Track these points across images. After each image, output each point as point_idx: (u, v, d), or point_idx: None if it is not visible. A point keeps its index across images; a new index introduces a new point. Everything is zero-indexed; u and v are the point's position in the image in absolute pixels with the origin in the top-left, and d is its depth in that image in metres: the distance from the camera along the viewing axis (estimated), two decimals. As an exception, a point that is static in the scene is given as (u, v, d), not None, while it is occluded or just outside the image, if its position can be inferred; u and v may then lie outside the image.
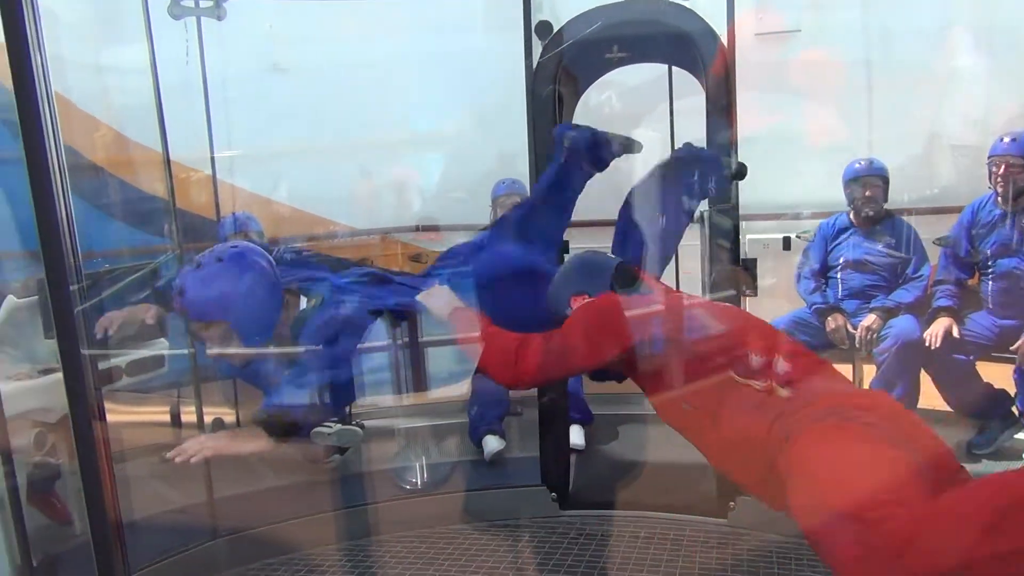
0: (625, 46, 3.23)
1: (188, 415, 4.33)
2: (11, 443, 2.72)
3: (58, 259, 1.13)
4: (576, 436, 4.08)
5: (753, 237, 5.00)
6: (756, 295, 3.42)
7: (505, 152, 4.51)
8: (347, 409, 4.29)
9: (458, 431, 4.34)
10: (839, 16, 5.12)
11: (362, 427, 4.35)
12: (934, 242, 3.98)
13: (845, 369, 4.13)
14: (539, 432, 3.60)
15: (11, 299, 2.96)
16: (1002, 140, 3.70)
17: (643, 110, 4.94)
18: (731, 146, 3.19)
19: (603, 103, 5.03)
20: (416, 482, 3.79)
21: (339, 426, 4.00)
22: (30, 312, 2.94)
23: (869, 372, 4.01)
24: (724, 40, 3.21)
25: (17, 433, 2.88)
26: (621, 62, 3.30)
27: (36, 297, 2.95)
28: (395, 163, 5.44)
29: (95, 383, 1.20)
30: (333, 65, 5.15)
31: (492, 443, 3.99)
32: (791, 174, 4.79)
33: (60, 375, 3.07)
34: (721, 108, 3.22)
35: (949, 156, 4.73)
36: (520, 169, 3.77)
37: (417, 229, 5.53)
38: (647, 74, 4.49)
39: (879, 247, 4.01)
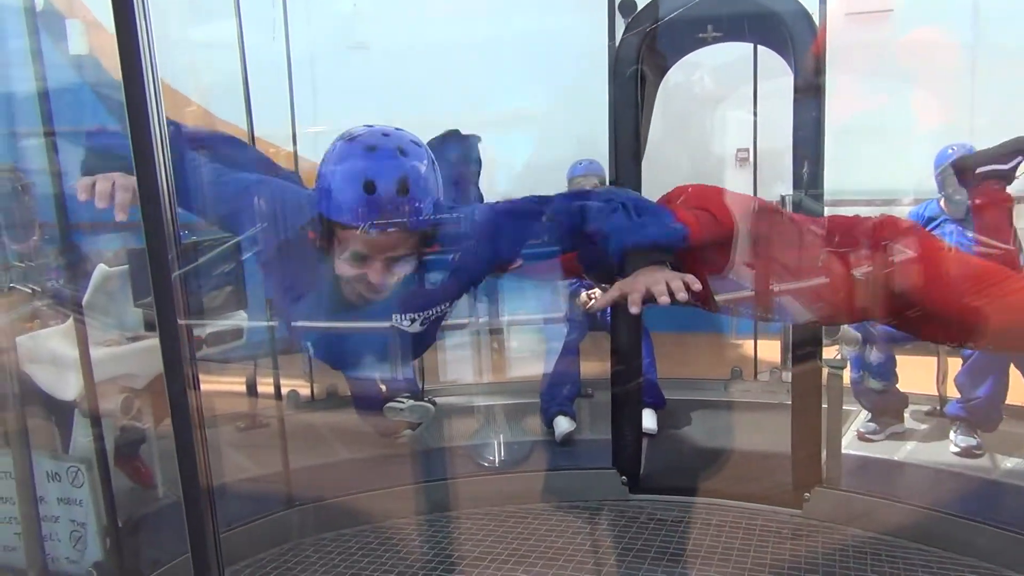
0: (713, 25, 3.16)
1: (265, 386, 4.48)
2: (100, 407, 2.84)
3: (158, 226, 1.16)
4: (648, 420, 4.06)
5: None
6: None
7: (585, 133, 4.47)
8: (420, 385, 4.36)
9: (532, 411, 4.35)
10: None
11: (434, 403, 4.42)
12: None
13: (930, 362, 4.02)
14: (611, 415, 3.58)
15: (102, 267, 3.06)
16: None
17: (726, 91, 4.86)
18: (819, 130, 3.10)
19: (685, 84, 4.97)
20: (493, 460, 3.82)
21: (411, 401, 4.07)
22: (120, 281, 3.03)
23: (954, 366, 3.89)
24: (817, 20, 3.12)
25: (106, 397, 3.00)
26: (708, 41, 3.22)
27: (126, 267, 3.04)
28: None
29: (190, 352, 1.24)
30: (415, 45, 5.19)
31: (563, 424, 4.00)
32: (887, 159, 4.65)
33: (147, 342, 3.20)
34: (812, 90, 3.12)
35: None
36: (601, 150, 3.73)
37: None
38: (730, 55, 4.39)
39: (972, 235, 3.86)
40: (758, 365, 4.91)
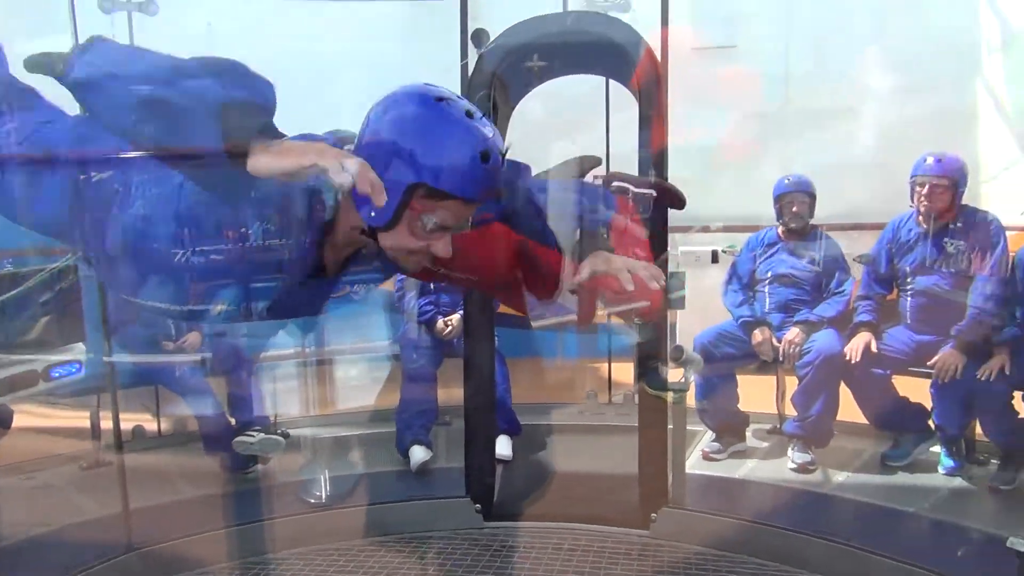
0: (556, 56, 3.22)
1: (107, 422, 4.22)
2: None
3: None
4: (503, 446, 4.07)
5: (685, 249, 5.07)
6: (683, 308, 3.45)
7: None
8: (271, 418, 4.23)
9: (388, 441, 4.28)
10: (774, 32, 5.21)
11: (287, 436, 4.30)
12: (855, 259, 4.07)
13: (768, 381, 4.20)
14: (465, 443, 3.57)
15: None
16: (926, 160, 3.77)
17: (581, 120, 4.96)
18: (661, 158, 3.21)
19: (540, 112, 5.04)
20: (321, 496, 3.71)
21: (262, 435, 3.94)
22: None
23: (792, 384, 4.08)
24: (658, 53, 3.24)
25: None
26: (552, 73, 3.29)
27: None
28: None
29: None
30: (273, 64, 5.06)
31: (418, 453, 3.95)
32: (723, 187, 4.86)
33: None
34: (656, 121, 3.23)
35: (860, 173, 4.85)
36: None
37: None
38: (588, 85, 4.50)
39: (804, 262, 4.09)
40: (612, 387, 5.01)
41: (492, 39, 3.34)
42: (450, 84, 3.47)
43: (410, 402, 4.12)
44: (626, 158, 3.41)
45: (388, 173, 1.41)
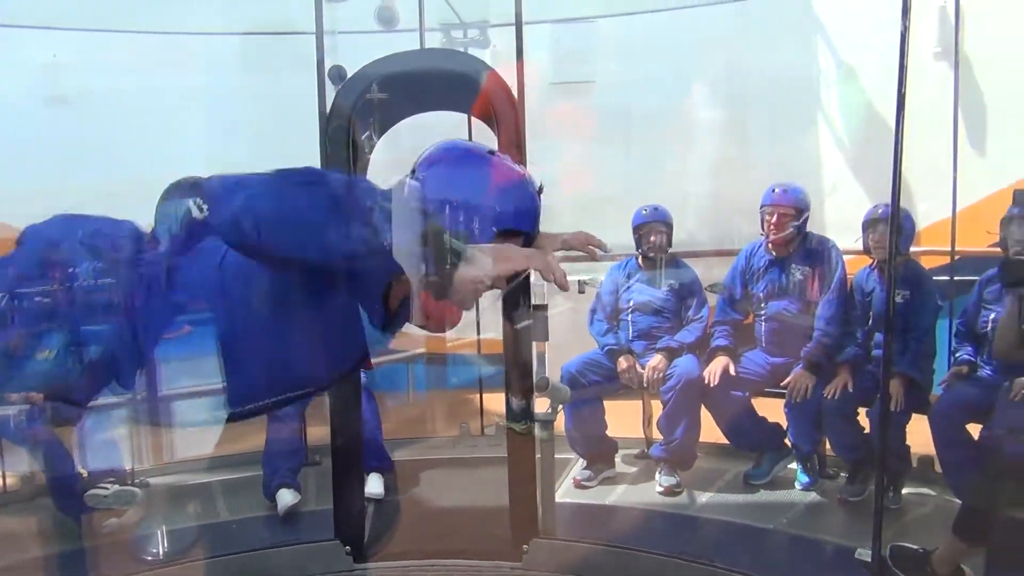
0: (413, 93, 3.24)
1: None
2: None
3: None
4: (374, 484, 4.00)
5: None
6: (547, 339, 3.50)
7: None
8: (128, 468, 4.01)
9: (255, 485, 4.14)
10: (633, 68, 5.38)
11: (146, 485, 4.09)
12: (706, 288, 4.23)
13: (635, 407, 4.30)
14: (332, 483, 3.49)
15: None
16: (773, 190, 3.98)
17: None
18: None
19: (406, 145, 5.03)
20: (158, 552, 3.54)
21: (116, 487, 3.74)
22: None
23: (657, 409, 4.19)
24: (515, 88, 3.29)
25: None
26: (410, 110, 3.30)
27: None
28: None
29: None
30: (121, 97, 4.88)
31: (286, 497, 3.83)
32: (583, 218, 4.96)
33: None
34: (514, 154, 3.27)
35: (694, 203, 5.07)
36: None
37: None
38: (454, 118, 4.54)
39: (664, 290, 4.22)
40: (484, 419, 5.02)
41: (350, 75, 3.32)
42: (306, 119, 3.46)
43: (276, 443, 4.00)
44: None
45: (474, 225, 1.59)
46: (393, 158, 3.78)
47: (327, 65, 3.38)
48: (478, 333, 4.61)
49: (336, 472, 3.48)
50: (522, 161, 3.28)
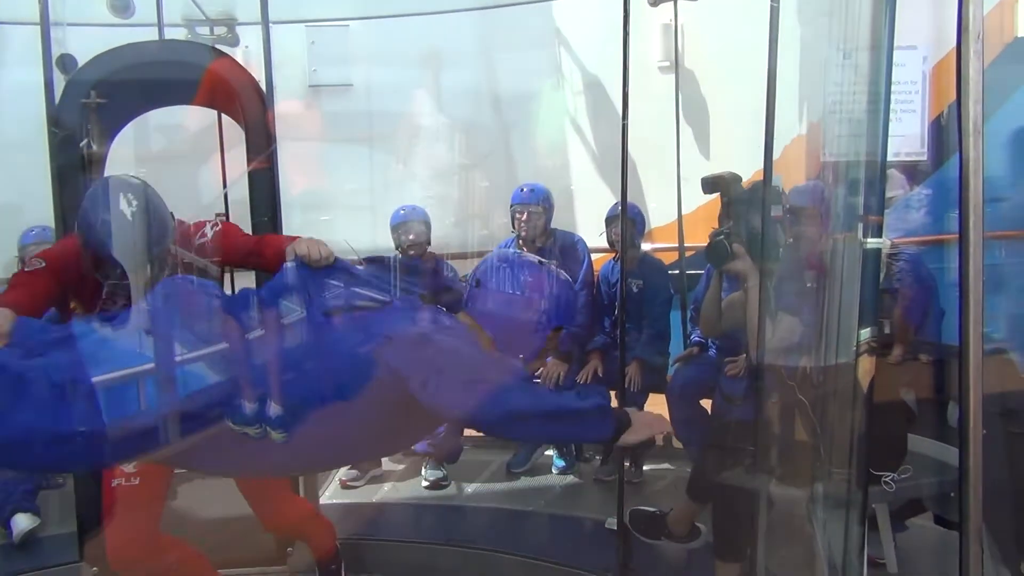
0: (148, 86, 3.08)
1: None
2: None
3: None
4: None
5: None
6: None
7: (29, 192, 4.05)
8: None
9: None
10: (388, 73, 5.43)
11: None
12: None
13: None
14: (75, 502, 3.26)
15: None
16: (522, 190, 4.18)
17: (195, 152, 4.76)
18: (272, 191, 3.23)
19: (153, 143, 4.78)
20: None
21: None
22: None
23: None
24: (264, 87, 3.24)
25: None
26: (149, 104, 3.15)
27: None
28: None
29: None
30: None
31: (22, 522, 3.54)
32: (334, 218, 4.96)
33: None
34: (265, 156, 3.22)
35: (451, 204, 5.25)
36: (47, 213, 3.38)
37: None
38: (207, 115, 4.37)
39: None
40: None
41: (80, 66, 3.11)
42: (34, 109, 3.19)
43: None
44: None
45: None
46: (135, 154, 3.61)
47: (55, 53, 3.15)
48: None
49: (77, 489, 3.25)
50: (272, 159, 3.24)
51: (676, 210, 4.62)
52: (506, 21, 5.09)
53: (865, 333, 2.00)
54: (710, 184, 2.71)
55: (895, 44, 1.79)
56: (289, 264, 2.16)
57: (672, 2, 4.68)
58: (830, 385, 2.21)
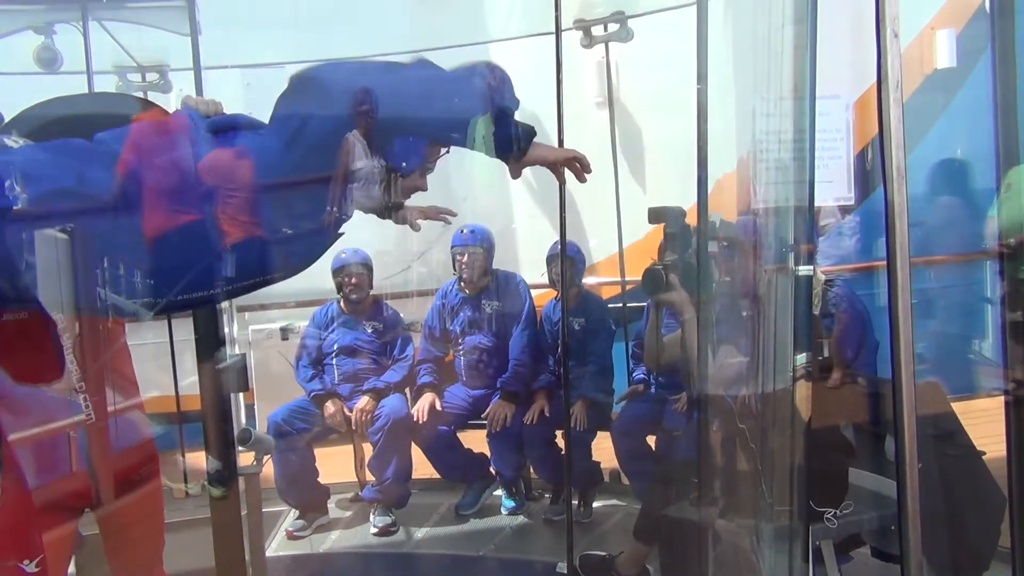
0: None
1: None
2: None
3: None
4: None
5: (256, 328, 5.02)
6: (246, 389, 3.39)
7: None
8: None
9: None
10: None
11: None
12: (404, 328, 4.35)
13: (347, 450, 4.29)
14: None
15: None
16: (462, 231, 4.18)
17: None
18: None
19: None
20: None
21: None
22: None
23: (369, 451, 4.21)
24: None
25: None
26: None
27: None
28: None
29: None
30: None
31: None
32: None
33: None
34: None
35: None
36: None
37: None
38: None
39: (367, 331, 4.27)
40: (188, 478, 4.73)
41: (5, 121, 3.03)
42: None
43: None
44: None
45: None
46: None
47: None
48: (176, 390, 4.36)
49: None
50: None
51: (617, 243, 4.66)
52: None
53: (801, 358, 2.03)
54: (655, 215, 2.75)
55: (818, 94, 1.84)
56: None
57: (603, 44, 4.76)
58: (768, 413, 2.23)
